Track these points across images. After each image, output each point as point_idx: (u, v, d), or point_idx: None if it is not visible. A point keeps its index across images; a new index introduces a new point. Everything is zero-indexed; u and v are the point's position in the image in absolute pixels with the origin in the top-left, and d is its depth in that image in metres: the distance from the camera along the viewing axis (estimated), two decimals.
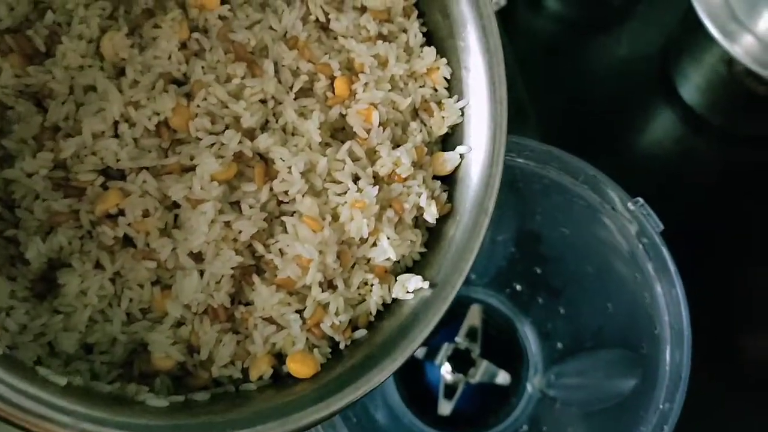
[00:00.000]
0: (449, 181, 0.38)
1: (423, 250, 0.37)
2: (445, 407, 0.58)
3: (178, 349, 0.33)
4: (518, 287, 0.59)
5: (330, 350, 0.35)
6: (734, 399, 0.54)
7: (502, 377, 0.59)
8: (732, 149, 0.61)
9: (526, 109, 0.61)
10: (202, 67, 0.35)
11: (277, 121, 0.36)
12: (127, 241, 0.34)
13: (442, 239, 0.37)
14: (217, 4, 0.35)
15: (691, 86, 0.59)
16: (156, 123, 0.34)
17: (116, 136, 0.33)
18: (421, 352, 0.60)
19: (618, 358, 0.48)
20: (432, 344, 0.60)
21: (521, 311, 0.60)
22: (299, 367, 0.34)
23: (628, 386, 0.46)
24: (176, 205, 0.34)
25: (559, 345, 0.57)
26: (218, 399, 0.33)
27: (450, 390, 0.59)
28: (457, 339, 0.59)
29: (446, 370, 0.59)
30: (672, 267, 0.42)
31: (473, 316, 0.60)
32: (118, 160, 0.33)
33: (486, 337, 0.60)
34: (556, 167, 0.43)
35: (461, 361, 0.59)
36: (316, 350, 0.35)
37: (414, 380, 0.60)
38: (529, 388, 0.59)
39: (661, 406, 0.41)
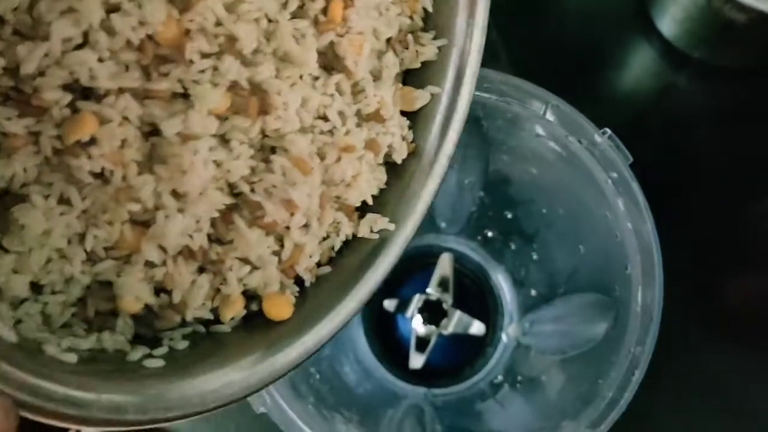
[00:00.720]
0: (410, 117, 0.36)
1: (384, 187, 0.36)
2: (417, 360, 0.56)
3: (148, 291, 0.31)
4: (490, 234, 0.56)
5: (298, 289, 0.34)
6: (709, 340, 0.53)
7: (477, 327, 0.57)
8: (712, 82, 0.58)
9: (497, 50, 0.59)
10: None
11: (268, 45, 0.32)
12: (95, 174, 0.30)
13: (402, 177, 0.36)
14: None
15: (669, 19, 0.56)
16: (142, 36, 0.28)
17: (84, 45, 0.28)
18: (391, 305, 0.58)
19: (591, 303, 0.46)
20: (402, 296, 0.57)
21: (494, 258, 0.58)
22: (277, 309, 0.32)
23: (601, 330, 0.44)
24: (152, 132, 0.30)
25: (533, 292, 0.55)
26: (196, 344, 0.32)
27: (422, 343, 0.57)
28: (429, 290, 0.57)
29: (418, 323, 0.57)
30: (642, 201, 0.39)
31: (444, 266, 0.58)
32: (92, 77, 0.28)
33: (459, 286, 0.58)
34: (518, 99, 0.40)
35: (433, 313, 0.57)
36: (287, 290, 0.33)
37: (385, 334, 0.58)
38: (504, 337, 0.57)
39: (632, 350, 0.39)
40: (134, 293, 0.30)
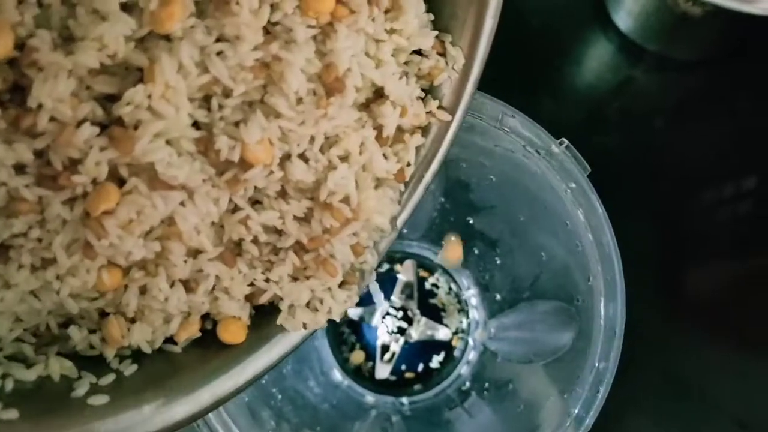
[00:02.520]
0: None
1: None
2: (383, 370, 0.55)
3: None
4: (452, 238, 0.55)
5: (254, 313, 0.32)
6: (674, 335, 0.53)
7: (443, 333, 0.56)
8: (668, 74, 0.57)
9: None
10: None
11: None
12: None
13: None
14: None
15: (625, 13, 0.55)
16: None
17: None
18: (356, 314, 0.57)
19: (555, 310, 0.45)
20: (367, 304, 0.56)
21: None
22: (231, 334, 0.31)
23: (565, 340, 0.43)
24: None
25: (498, 296, 0.54)
26: (147, 366, 0.31)
27: (388, 351, 0.56)
28: (393, 297, 0.56)
29: (383, 331, 0.56)
30: (602, 212, 0.38)
31: (407, 272, 0.57)
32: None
33: (423, 293, 0.57)
34: (474, 109, 0.39)
35: (398, 320, 0.56)
36: (243, 315, 0.32)
37: (351, 345, 0.57)
38: (470, 342, 0.56)
39: (596, 365, 0.38)
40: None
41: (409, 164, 0.32)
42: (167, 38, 0.26)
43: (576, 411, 0.38)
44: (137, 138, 0.26)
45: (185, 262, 0.29)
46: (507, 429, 0.46)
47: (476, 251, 0.54)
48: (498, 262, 0.53)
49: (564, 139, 0.38)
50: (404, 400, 0.55)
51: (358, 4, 0.28)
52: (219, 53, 0.27)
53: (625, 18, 0.55)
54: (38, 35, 0.25)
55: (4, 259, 0.28)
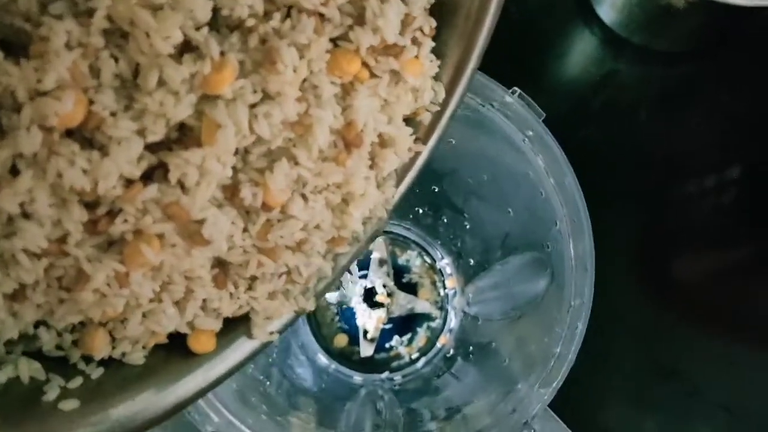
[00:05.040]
0: None
1: None
2: (367, 348, 0.56)
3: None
4: (420, 210, 0.56)
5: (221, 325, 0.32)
6: (657, 332, 0.54)
7: (421, 306, 0.57)
8: (652, 66, 0.58)
9: None
10: None
11: None
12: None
13: None
14: None
15: (608, 5, 0.56)
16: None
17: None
18: (333, 297, 0.57)
19: (527, 262, 0.46)
20: (343, 286, 0.56)
21: (429, 234, 0.57)
22: (201, 344, 0.31)
23: (540, 288, 0.44)
24: None
25: (472, 261, 0.55)
26: (113, 369, 0.31)
27: (371, 330, 0.56)
28: (369, 276, 0.56)
29: (362, 310, 0.56)
30: (560, 154, 0.39)
31: (380, 249, 0.57)
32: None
33: (398, 267, 0.57)
34: None
35: (376, 298, 0.56)
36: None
37: (333, 329, 0.57)
38: (450, 310, 0.57)
39: (572, 303, 0.39)
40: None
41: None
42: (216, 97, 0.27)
43: (558, 350, 0.39)
44: (194, 201, 0.27)
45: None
46: (494, 385, 0.46)
47: (445, 219, 0.55)
48: (467, 226, 0.54)
49: (516, 88, 0.39)
50: (392, 375, 0.56)
51: (382, 70, 0.30)
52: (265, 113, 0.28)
53: (608, 11, 0.55)
54: (101, 100, 0.26)
55: (20, 300, 0.28)
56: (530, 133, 0.40)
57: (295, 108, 0.28)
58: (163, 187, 0.27)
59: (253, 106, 0.27)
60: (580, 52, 0.59)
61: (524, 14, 0.58)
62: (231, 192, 0.28)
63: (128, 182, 0.27)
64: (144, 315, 0.29)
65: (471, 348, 0.53)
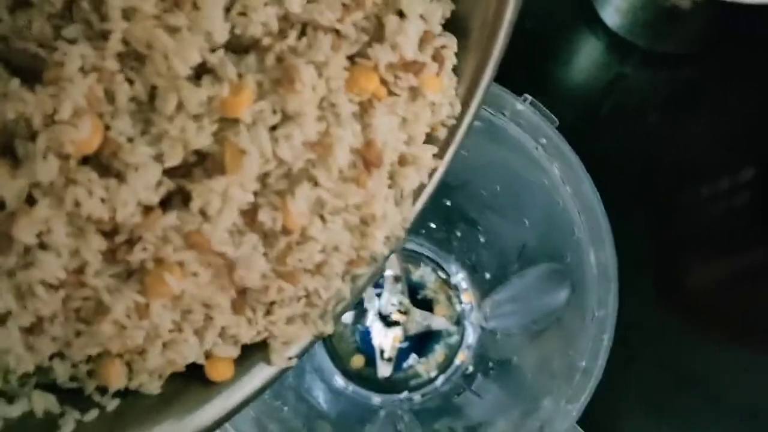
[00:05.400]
0: None
1: None
2: (385, 369, 0.54)
3: None
4: (432, 225, 0.55)
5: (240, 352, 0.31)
6: (673, 338, 0.52)
7: (438, 322, 0.56)
8: (659, 69, 0.57)
9: None
10: None
11: None
12: None
13: None
14: None
15: (612, 10, 0.55)
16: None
17: None
18: (348, 317, 0.56)
19: (545, 274, 0.45)
20: (358, 306, 0.55)
21: (442, 249, 0.56)
22: (218, 372, 0.30)
23: (560, 300, 0.43)
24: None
25: (488, 275, 0.53)
26: (129, 399, 0.30)
27: (388, 349, 0.55)
28: (383, 294, 0.55)
29: (378, 330, 0.55)
30: (576, 161, 0.38)
31: (393, 266, 0.56)
32: None
33: (412, 284, 0.56)
34: None
35: (392, 317, 0.55)
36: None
37: (349, 349, 0.56)
38: (467, 326, 0.55)
39: (596, 313, 0.38)
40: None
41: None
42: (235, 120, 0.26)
43: (583, 364, 0.38)
44: (215, 229, 0.26)
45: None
46: (518, 402, 0.45)
47: (458, 233, 0.54)
48: (482, 240, 0.53)
49: (527, 95, 0.38)
50: (411, 394, 0.54)
51: (401, 88, 0.29)
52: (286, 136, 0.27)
53: (612, 15, 0.54)
54: (117, 126, 0.25)
55: (37, 333, 0.27)
56: (543, 140, 0.39)
57: (315, 128, 0.27)
58: (183, 214, 0.26)
59: (273, 128, 0.27)
60: (586, 58, 0.58)
61: (527, 21, 0.57)
62: (250, 217, 0.27)
63: (147, 209, 0.26)
64: (164, 345, 0.28)
65: (491, 364, 0.52)
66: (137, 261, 0.26)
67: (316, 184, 0.28)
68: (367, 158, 0.29)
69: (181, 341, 0.28)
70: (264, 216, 0.27)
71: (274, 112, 0.27)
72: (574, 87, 0.58)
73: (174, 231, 0.26)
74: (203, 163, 0.27)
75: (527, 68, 0.56)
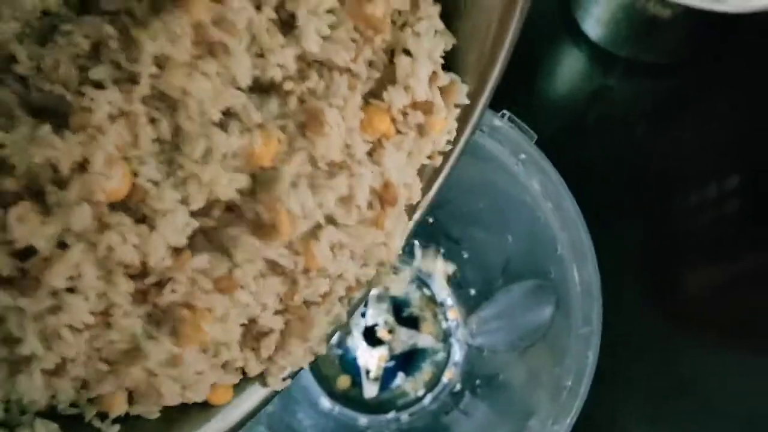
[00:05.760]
0: None
1: None
2: (371, 389, 0.54)
3: None
4: (415, 242, 0.54)
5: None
6: (666, 346, 0.52)
7: (424, 340, 0.55)
8: (642, 79, 0.57)
9: None
10: None
11: None
12: None
13: None
14: None
15: (594, 21, 0.55)
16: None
17: None
18: (334, 338, 0.55)
19: (530, 290, 0.45)
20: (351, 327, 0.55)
21: (426, 266, 0.55)
22: (218, 396, 0.30)
23: (545, 316, 0.42)
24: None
25: (472, 291, 0.53)
26: (130, 423, 0.29)
27: (374, 369, 0.54)
28: (367, 313, 0.55)
29: (363, 349, 0.54)
30: (556, 177, 0.38)
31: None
32: None
33: (397, 302, 0.55)
34: None
35: (377, 335, 0.54)
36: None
37: (335, 370, 0.55)
38: (454, 343, 0.55)
39: (580, 331, 0.37)
40: None
41: None
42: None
43: (569, 383, 0.37)
44: (246, 274, 0.26)
45: None
46: (506, 420, 0.44)
47: (442, 250, 0.53)
48: (465, 256, 0.52)
49: (505, 111, 0.38)
50: (399, 414, 0.54)
51: (408, 127, 0.29)
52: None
53: (594, 26, 0.54)
54: (145, 172, 0.25)
55: (60, 374, 0.26)
56: (523, 156, 0.39)
57: (345, 181, 0.27)
58: (212, 257, 0.26)
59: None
60: (569, 70, 0.58)
61: None
62: (272, 264, 0.27)
63: (175, 250, 0.26)
64: (184, 387, 0.28)
65: (478, 381, 0.51)
66: (167, 302, 0.26)
67: (336, 225, 0.28)
68: (383, 198, 0.29)
69: (202, 382, 0.28)
70: (286, 261, 0.27)
71: (310, 162, 0.27)
72: (559, 99, 0.58)
73: (203, 274, 0.26)
74: (233, 211, 0.27)
75: (511, 82, 0.56)
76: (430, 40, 0.29)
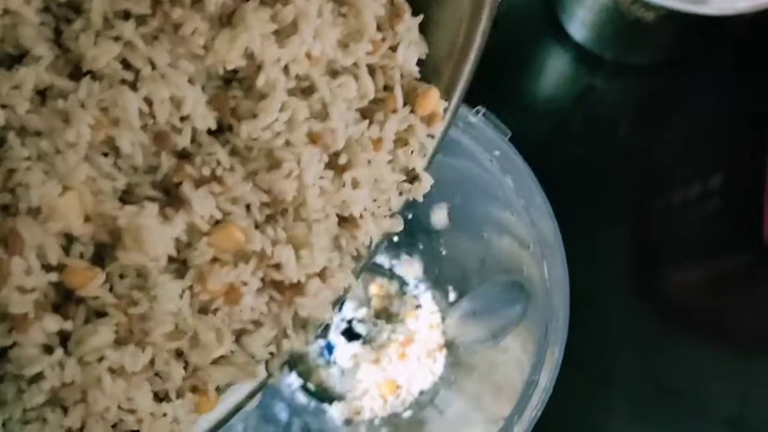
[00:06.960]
0: None
1: None
2: (346, 383, 0.54)
3: None
4: (395, 238, 0.54)
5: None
6: (655, 348, 0.52)
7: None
8: (626, 80, 0.58)
9: None
10: None
11: None
12: None
13: None
14: None
15: (578, 23, 0.55)
16: None
17: None
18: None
19: (505, 287, 0.45)
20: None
21: (405, 261, 0.56)
22: (205, 407, 0.30)
23: (518, 312, 0.42)
24: None
25: (450, 288, 0.53)
26: None
27: (351, 363, 0.54)
28: (345, 309, 0.55)
29: (341, 344, 0.54)
30: (528, 174, 0.38)
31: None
32: None
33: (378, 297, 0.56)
34: None
35: (356, 331, 0.55)
36: None
37: (311, 365, 0.55)
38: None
39: (548, 325, 0.38)
40: None
41: None
42: None
43: (537, 377, 0.37)
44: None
45: None
46: (477, 416, 0.45)
47: (420, 246, 0.54)
48: (444, 252, 0.52)
49: (480, 107, 0.38)
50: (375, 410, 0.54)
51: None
52: None
53: (579, 28, 0.55)
54: None
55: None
56: (497, 152, 0.39)
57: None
58: None
59: None
60: (554, 71, 0.58)
61: (495, 37, 0.57)
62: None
63: None
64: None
65: (453, 377, 0.51)
66: None
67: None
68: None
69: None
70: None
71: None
72: (544, 99, 0.58)
73: None
74: None
75: (495, 83, 0.56)
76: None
